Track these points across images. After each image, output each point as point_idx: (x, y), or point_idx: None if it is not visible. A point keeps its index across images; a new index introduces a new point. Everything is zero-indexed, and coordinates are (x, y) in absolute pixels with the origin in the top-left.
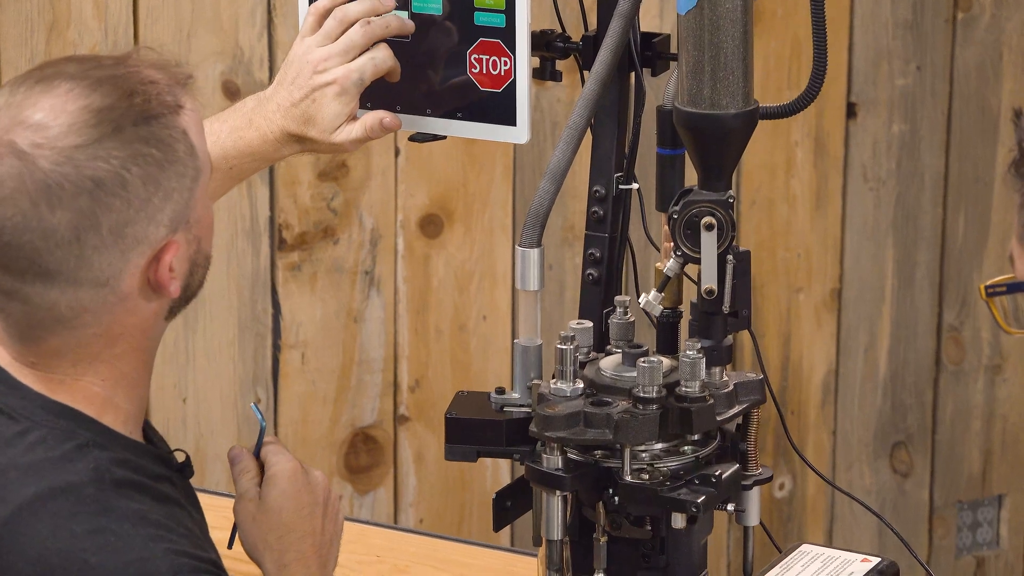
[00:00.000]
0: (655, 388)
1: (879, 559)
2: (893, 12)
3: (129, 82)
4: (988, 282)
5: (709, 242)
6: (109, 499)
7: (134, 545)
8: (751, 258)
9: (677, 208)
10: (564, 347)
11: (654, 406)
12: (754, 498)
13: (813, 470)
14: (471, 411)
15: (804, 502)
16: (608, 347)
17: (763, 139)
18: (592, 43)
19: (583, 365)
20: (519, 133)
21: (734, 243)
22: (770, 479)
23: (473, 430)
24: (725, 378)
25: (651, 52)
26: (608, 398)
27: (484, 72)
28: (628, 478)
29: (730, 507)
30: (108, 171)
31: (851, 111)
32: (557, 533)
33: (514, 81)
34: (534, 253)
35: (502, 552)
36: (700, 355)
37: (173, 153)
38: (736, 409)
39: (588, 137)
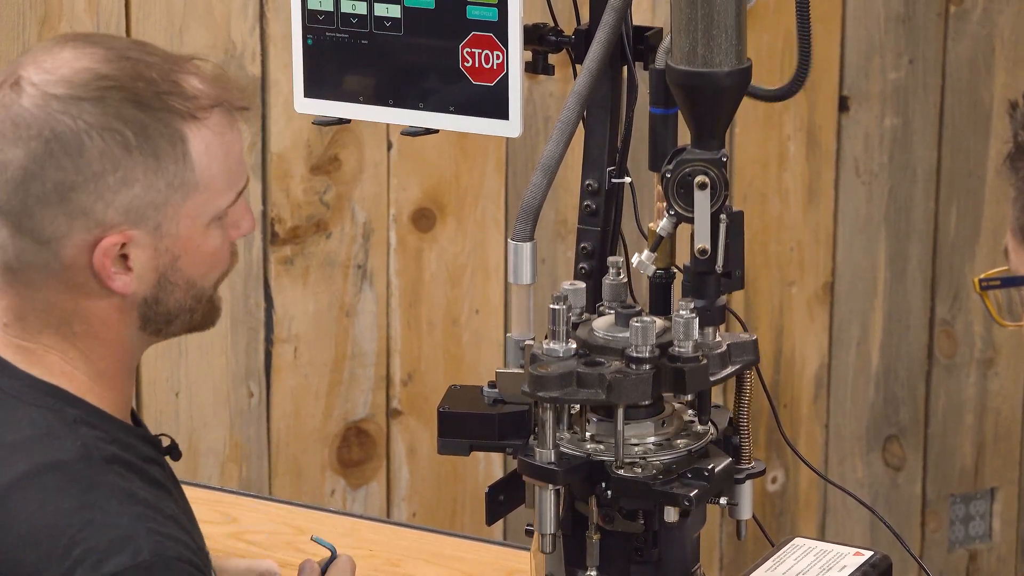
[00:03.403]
0: (648, 348)
1: (872, 552)
2: (885, 5)
3: (152, 71)
4: (982, 275)
5: (702, 201)
6: (97, 475)
7: (120, 523)
8: (746, 251)
9: (670, 167)
10: (556, 307)
11: (647, 366)
12: (747, 492)
13: (805, 463)
14: (463, 405)
15: (797, 496)
16: (601, 307)
17: (755, 133)
18: (584, 37)
19: (576, 326)
20: (511, 127)
21: (727, 202)
22: (763, 473)
23: (465, 424)
24: (718, 338)
25: (643, 46)
26: (601, 358)
27: (476, 66)
28: (621, 472)
29: (723, 501)
30: (70, 129)
31: (843, 104)
32: (550, 527)
33: (506, 75)
34: (527, 247)
35: (495, 546)
36: (693, 315)
37: (152, 147)
38: (729, 369)
39: (580, 131)
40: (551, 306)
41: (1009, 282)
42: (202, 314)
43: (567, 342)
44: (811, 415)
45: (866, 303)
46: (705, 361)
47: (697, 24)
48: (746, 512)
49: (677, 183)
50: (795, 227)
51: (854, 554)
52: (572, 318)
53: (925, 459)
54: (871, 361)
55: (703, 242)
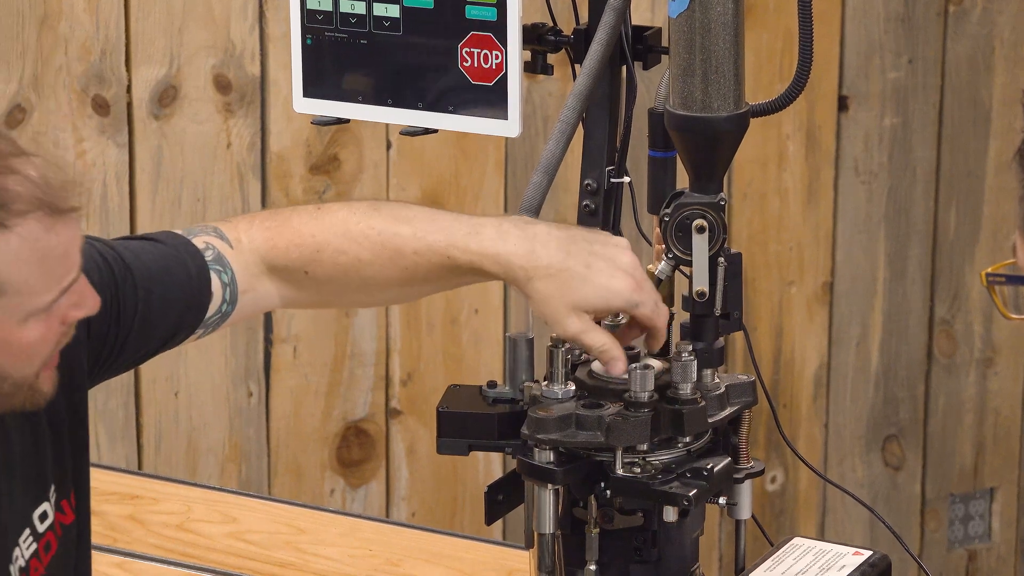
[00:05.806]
0: (647, 392)
1: (871, 552)
2: (885, 5)
3: None
4: (989, 269)
5: (700, 244)
6: None
7: None
8: (743, 254)
9: (668, 211)
10: (555, 349)
11: (646, 409)
12: (746, 491)
13: (805, 463)
14: (463, 405)
15: (796, 495)
16: None
17: (755, 133)
18: (583, 36)
19: (575, 367)
20: (510, 127)
21: (725, 245)
22: (762, 472)
23: (465, 424)
24: (717, 380)
25: (643, 46)
26: (600, 400)
27: (475, 66)
28: (620, 472)
29: (722, 500)
30: None
31: (843, 104)
32: (548, 527)
33: (505, 75)
34: None
35: (494, 545)
36: (692, 357)
37: None
38: (728, 411)
39: (580, 130)
40: (549, 347)
41: (1014, 280)
42: (22, 399)
43: (566, 384)
44: (811, 415)
45: (865, 303)
46: (703, 403)
47: (696, 69)
48: (745, 512)
49: (675, 226)
50: (794, 227)
51: (853, 554)
52: (571, 359)
53: (924, 459)
54: (871, 361)
55: (701, 285)
